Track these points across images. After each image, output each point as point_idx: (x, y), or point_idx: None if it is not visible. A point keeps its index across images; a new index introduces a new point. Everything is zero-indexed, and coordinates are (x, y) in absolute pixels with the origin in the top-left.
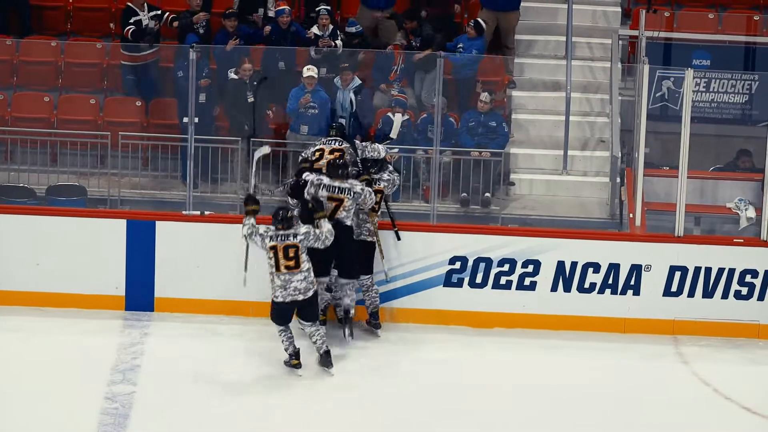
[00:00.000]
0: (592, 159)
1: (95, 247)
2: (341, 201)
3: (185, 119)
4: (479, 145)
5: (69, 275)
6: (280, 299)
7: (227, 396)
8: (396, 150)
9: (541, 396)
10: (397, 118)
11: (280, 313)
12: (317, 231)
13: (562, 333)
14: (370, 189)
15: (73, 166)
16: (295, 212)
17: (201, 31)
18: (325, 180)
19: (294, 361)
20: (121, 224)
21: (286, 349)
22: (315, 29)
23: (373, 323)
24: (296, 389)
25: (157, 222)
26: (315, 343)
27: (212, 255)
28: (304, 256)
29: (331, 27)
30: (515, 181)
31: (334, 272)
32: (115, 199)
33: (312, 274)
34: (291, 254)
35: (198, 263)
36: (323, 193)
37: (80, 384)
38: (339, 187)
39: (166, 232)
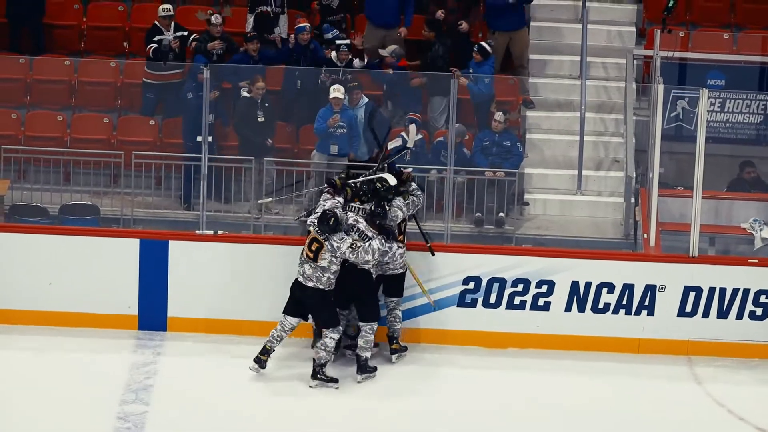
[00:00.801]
0: (606, 179)
1: (108, 267)
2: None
3: (198, 138)
4: (493, 165)
5: (82, 294)
6: (297, 275)
7: (239, 416)
8: (410, 169)
9: (555, 417)
10: (412, 129)
11: (290, 293)
12: (355, 246)
13: (575, 353)
14: (365, 245)
15: (86, 185)
16: (350, 219)
17: (215, 58)
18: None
19: (263, 356)
20: (134, 243)
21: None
22: (333, 57)
23: (391, 348)
24: (310, 414)
25: (170, 241)
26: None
27: (225, 274)
28: (326, 256)
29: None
30: (529, 201)
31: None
32: (128, 218)
33: (327, 274)
34: (314, 247)
35: (211, 282)
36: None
37: (92, 403)
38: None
39: (179, 251)
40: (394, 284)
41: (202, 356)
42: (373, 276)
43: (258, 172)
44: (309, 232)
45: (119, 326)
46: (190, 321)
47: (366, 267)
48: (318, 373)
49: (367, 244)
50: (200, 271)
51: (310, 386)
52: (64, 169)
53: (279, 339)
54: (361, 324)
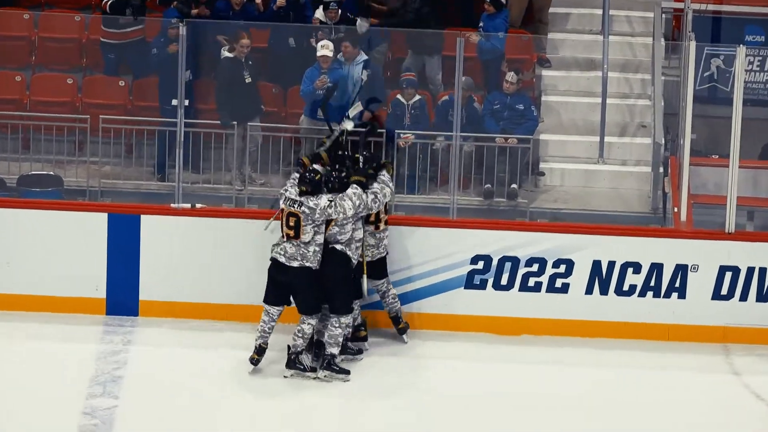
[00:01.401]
0: (631, 146)
1: (72, 244)
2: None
3: (174, 101)
4: (505, 131)
5: (43, 276)
6: (272, 253)
7: (219, 413)
8: (411, 136)
9: (574, 412)
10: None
11: (269, 281)
12: (331, 202)
13: (597, 341)
14: (338, 198)
15: (47, 154)
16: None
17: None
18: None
19: (253, 354)
20: (101, 218)
21: (255, 339)
22: (320, 15)
23: (398, 329)
24: (297, 408)
25: (142, 216)
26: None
27: (204, 253)
28: (308, 227)
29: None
30: (545, 170)
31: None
32: (95, 190)
33: (313, 247)
34: (292, 222)
35: (188, 262)
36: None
37: (55, 397)
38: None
39: (152, 227)
40: (378, 267)
41: (179, 345)
42: (353, 263)
43: (241, 138)
44: (282, 211)
45: (85, 311)
46: (164, 305)
47: (347, 222)
48: (294, 362)
49: (340, 196)
50: (176, 249)
51: (285, 376)
52: (22, 135)
53: (270, 331)
54: (330, 315)
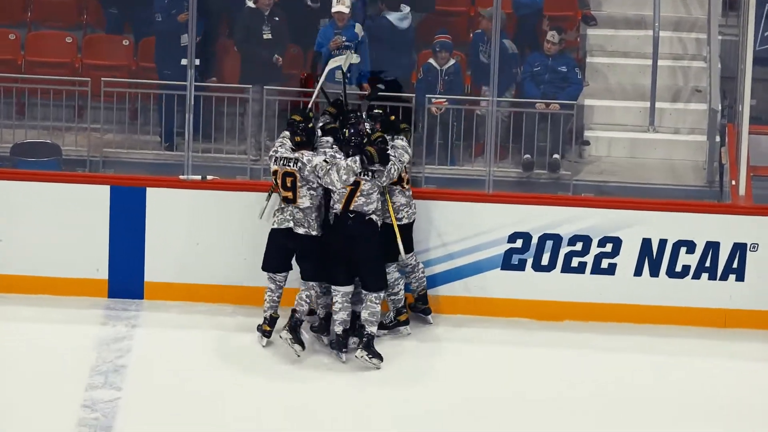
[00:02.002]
0: (685, 113)
1: (71, 220)
2: (357, 184)
3: (183, 61)
4: (546, 96)
5: (38, 254)
6: (275, 225)
7: (230, 404)
8: (444, 101)
9: (621, 403)
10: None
11: (271, 248)
12: (327, 164)
13: (646, 328)
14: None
15: (44, 120)
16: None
17: None
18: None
19: (265, 326)
20: (103, 191)
21: (264, 310)
22: None
23: (422, 308)
24: (311, 399)
25: (147, 189)
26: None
27: (215, 230)
28: (303, 190)
29: None
30: (590, 139)
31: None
32: (96, 160)
33: (312, 213)
34: (289, 182)
35: (198, 240)
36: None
37: (52, 390)
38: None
39: (159, 201)
40: (409, 234)
41: (187, 330)
42: (378, 226)
43: (257, 102)
44: (275, 173)
45: (85, 293)
46: (172, 287)
47: (373, 191)
48: (295, 329)
49: (334, 163)
50: (185, 225)
51: (280, 336)
52: (17, 99)
53: (278, 300)
54: (364, 294)
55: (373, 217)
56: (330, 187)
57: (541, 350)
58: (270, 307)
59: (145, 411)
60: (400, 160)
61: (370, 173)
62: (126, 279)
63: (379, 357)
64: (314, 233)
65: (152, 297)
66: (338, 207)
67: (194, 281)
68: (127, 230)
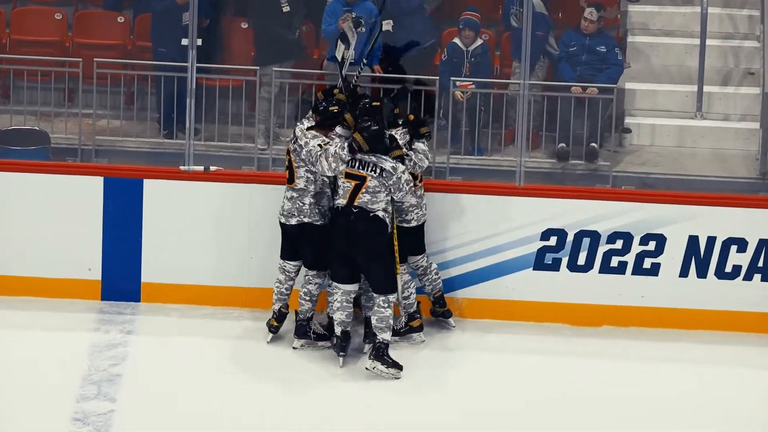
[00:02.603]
0: (736, 98)
1: (61, 215)
2: (363, 180)
3: (184, 41)
4: (583, 78)
5: (24, 253)
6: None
7: (233, 417)
8: (471, 85)
9: (664, 418)
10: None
11: (282, 237)
12: (321, 149)
13: (694, 334)
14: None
15: (31, 105)
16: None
17: None
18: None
19: (272, 321)
20: (96, 183)
21: (273, 303)
22: None
23: (441, 311)
24: (318, 413)
25: (145, 180)
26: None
27: (220, 226)
28: (301, 172)
29: None
30: (631, 126)
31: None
32: (89, 148)
33: (308, 198)
34: (286, 163)
35: (200, 237)
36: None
37: (39, 402)
38: (362, 161)
39: (157, 194)
40: (419, 237)
41: (188, 336)
42: (386, 224)
43: (267, 85)
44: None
45: (76, 295)
46: (171, 289)
47: (380, 191)
48: (305, 330)
49: (327, 148)
50: (186, 221)
51: (294, 347)
52: (1, 82)
53: (288, 292)
54: (374, 296)
55: (380, 213)
56: (322, 175)
57: (575, 360)
58: (277, 299)
59: (141, 424)
60: (419, 165)
61: (377, 170)
62: (121, 280)
63: (397, 366)
64: (307, 220)
65: (150, 300)
66: (342, 202)
67: (196, 282)
68: (122, 226)
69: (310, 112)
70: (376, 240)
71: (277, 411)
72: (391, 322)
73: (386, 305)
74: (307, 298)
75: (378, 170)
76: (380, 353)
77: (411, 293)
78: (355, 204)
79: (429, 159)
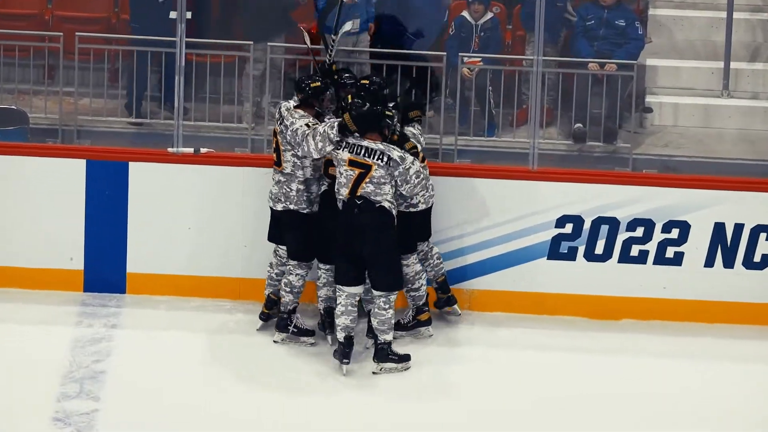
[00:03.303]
0: (765, 74)
1: (40, 200)
2: (368, 168)
3: (172, 14)
4: (601, 54)
5: (1, 241)
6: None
7: (223, 418)
8: (479, 61)
9: (689, 418)
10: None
11: (270, 219)
12: (308, 128)
13: (720, 328)
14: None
15: (8, 82)
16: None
17: None
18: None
19: (264, 308)
20: (78, 166)
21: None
22: None
23: (445, 297)
24: (315, 410)
25: (130, 163)
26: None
27: (210, 212)
28: (288, 156)
29: None
30: (653, 106)
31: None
32: (70, 129)
33: (295, 185)
34: (274, 144)
35: (190, 224)
36: (344, 155)
37: (17, 401)
38: (368, 149)
39: (143, 177)
40: (426, 221)
41: (176, 331)
42: (393, 216)
43: (256, 62)
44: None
45: (57, 286)
46: (159, 279)
47: (385, 182)
48: (286, 324)
49: (316, 129)
50: (175, 206)
51: (274, 341)
52: None
53: (279, 277)
54: (375, 294)
55: (386, 204)
56: (307, 156)
57: (592, 357)
58: (268, 284)
59: (127, 424)
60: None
61: (384, 158)
62: (105, 270)
63: (405, 358)
64: (293, 207)
65: (135, 291)
66: (344, 192)
67: (185, 272)
68: (106, 212)
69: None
70: (383, 233)
71: (272, 410)
72: (393, 322)
73: (387, 306)
74: (288, 289)
75: (385, 158)
76: (384, 353)
77: (421, 285)
78: (358, 194)
79: (421, 143)
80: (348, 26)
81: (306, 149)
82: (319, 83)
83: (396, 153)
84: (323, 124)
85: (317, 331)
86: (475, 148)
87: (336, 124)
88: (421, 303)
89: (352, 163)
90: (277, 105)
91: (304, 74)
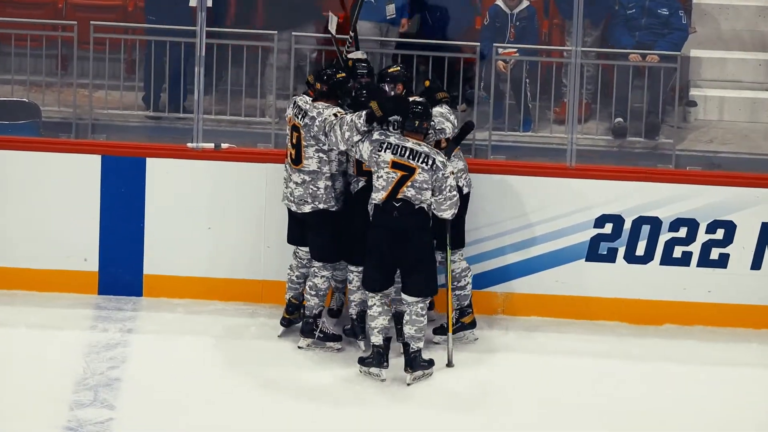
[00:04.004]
0: None
1: (54, 197)
2: (411, 171)
3: (192, 1)
4: (642, 45)
5: (13, 241)
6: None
7: (246, 427)
8: (515, 52)
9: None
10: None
11: (289, 221)
12: (337, 118)
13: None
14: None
15: (20, 74)
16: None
17: None
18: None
19: (284, 312)
20: (93, 162)
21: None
22: None
23: (467, 323)
24: (342, 422)
25: (147, 159)
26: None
27: (232, 211)
28: (310, 152)
29: None
30: (697, 99)
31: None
32: (85, 123)
33: (324, 184)
34: (294, 140)
35: (210, 223)
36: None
37: (29, 409)
38: (413, 151)
39: (161, 174)
40: (461, 224)
41: (195, 336)
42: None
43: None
44: (289, 121)
45: (70, 289)
46: (177, 281)
47: (339, 146)
48: (312, 329)
49: (343, 118)
50: (194, 204)
51: (299, 346)
52: None
53: (300, 281)
54: (407, 300)
55: (424, 206)
56: (335, 147)
57: (634, 364)
58: (289, 288)
59: None
60: (439, 129)
61: (429, 161)
62: (120, 272)
63: (432, 362)
64: (323, 206)
65: (152, 294)
66: (381, 196)
67: (204, 274)
68: (121, 211)
69: (307, 86)
70: (424, 237)
71: (298, 422)
72: (425, 330)
73: (424, 312)
74: (313, 293)
75: (430, 162)
76: (418, 362)
77: (467, 283)
78: (398, 197)
79: (451, 121)
80: (390, 10)
81: (333, 140)
82: (343, 74)
83: (440, 158)
84: (351, 114)
85: (344, 336)
86: (510, 143)
87: (364, 113)
88: (465, 303)
89: (395, 165)
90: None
91: (325, 66)
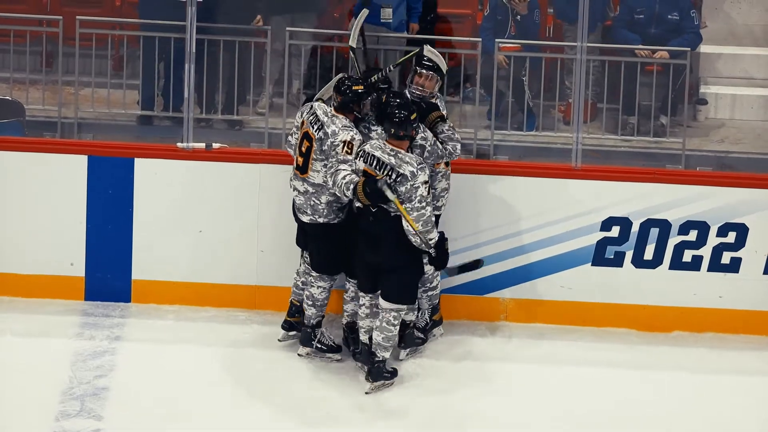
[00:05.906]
0: None
1: (38, 199)
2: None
3: None
4: (651, 41)
5: None
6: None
7: None
8: (518, 47)
9: None
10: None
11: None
12: (348, 144)
13: None
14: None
15: (3, 71)
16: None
17: None
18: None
19: (287, 316)
20: (79, 162)
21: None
22: None
23: (433, 320)
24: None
25: (136, 160)
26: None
27: (224, 214)
28: (317, 166)
29: None
30: (708, 97)
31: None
32: (71, 122)
33: (325, 197)
34: (304, 147)
35: (201, 226)
36: (359, 165)
37: (13, 419)
38: (379, 161)
39: (150, 175)
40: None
41: (185, 344)
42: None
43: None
44: (302, 125)
45: (56, 294)
46: (167, 287)
47: (328, 183)
48: (310, 338)
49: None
50: (185, 207)
51: (299, 354)
52: None
53: (303, 287)
54: (382, 305)
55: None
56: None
57: (643, 372)
58: (294, 292)
59: None
60: (453, 152)
61: (393, 174)
62: (108, 277)
63: (395, 373)
64: (322, 220)
65: (141, 300)
66: (359, 203)
67: (196, 280)
68: (109, 213)
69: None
70: (400, 244)
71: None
72: (397, 340)
73: (396, 322)
74: (310, 302)
75: (394, 175)
76: (380, 372)
77: (438, 283)
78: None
79: (456, 140)
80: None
81: (332, 180)
82: (361, 86)
83: (408, 168)
84: (350, 173)
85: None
86: (513, 143)
87: (352, 186)
88: (436, 302)
89: (365, 174)
90: (305, 103)
91: (345, 76)
